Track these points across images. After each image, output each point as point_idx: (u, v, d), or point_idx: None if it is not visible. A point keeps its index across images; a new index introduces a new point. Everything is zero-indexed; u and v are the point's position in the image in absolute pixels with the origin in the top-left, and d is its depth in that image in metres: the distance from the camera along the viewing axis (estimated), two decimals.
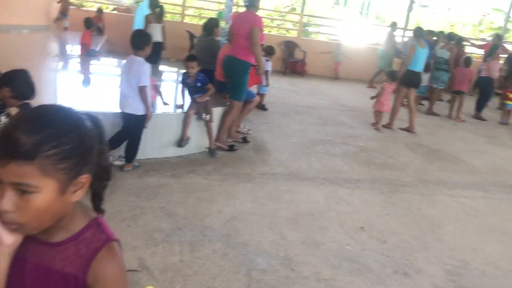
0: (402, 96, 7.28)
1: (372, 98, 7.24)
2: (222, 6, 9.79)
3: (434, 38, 10.29)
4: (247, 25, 4.80)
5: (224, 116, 5.15)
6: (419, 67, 7.12)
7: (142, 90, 3.91)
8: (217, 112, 5.05)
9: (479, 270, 3.29)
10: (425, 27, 13.14)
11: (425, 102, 9.41)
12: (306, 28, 15.62)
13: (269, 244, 3.23)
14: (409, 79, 7.12)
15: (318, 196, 4.22)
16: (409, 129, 7.26)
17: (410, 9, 13.35)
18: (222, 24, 7.39)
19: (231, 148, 5.14)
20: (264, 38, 6.23)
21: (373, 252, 3.32)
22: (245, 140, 5.49)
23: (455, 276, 3.17)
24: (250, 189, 4.13)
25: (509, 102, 9.04)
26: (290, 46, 11.77)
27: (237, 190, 4.07)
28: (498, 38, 11.92)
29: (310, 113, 7.57)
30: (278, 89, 8.91)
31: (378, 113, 7.14)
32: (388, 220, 3.90)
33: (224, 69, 5.21)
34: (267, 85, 7.22)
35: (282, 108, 7.58)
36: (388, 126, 7.30)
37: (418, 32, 7.41)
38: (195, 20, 12.96)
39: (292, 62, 11.82)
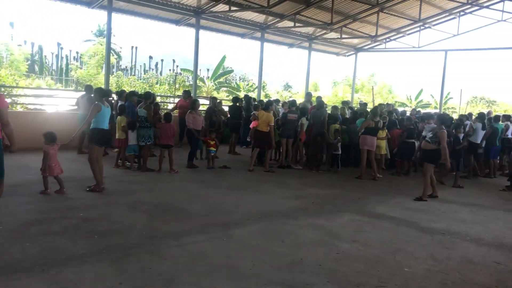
0: (100, 155, 7.23)
1: (41, 168, 6.83)
2: None
3: (138, 98, 10.77)
4: None
5: None
6: (105, 124, 7.23)
7: None
8: None
9: None
10: (127, 88, 13.63)
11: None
12: None
13: None
14: (99, 137, 7.14)
15: (40, 287, 3.68)
16: (96, 188, 7.10)
17: (108, 72, 13.68)
18: None
19: None
20: None
21: None
22: None
23: None
24: None
25: (212, 148, 10.19)
26: None
27: None
28: (187, 94, 13.47)
29: (18, 192, 6.71)
30: None
31: (46, 178, 6.78)
32: None
33: None
34: None
35: None
36: (98, 189, 7.07)
37: (101, 92, 7.45)
38: None
39: None
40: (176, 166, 9.44)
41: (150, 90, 14.41)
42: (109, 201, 6.62)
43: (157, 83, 31.50)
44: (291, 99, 13.56)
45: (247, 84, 38.06)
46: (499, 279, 4.55)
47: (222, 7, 14.46)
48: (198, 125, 10.34)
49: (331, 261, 4.73)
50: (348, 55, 23.04)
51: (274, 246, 5.09)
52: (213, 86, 32.77)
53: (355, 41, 21.10)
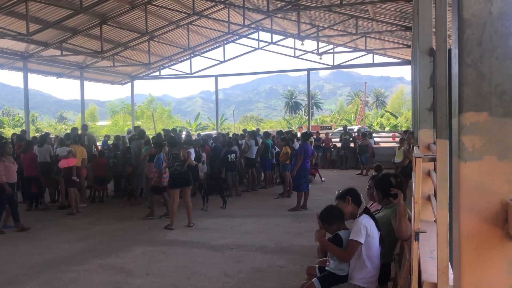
0: None
1: None
2: None
3: None
4: None
5: None
6: None
7: None
8: None
9: None
10: None
11: None
12: None
13: None
14: None
15: None
16: None
17: None
18: None
19: None
20: None
21: None
22: None
23: None
24: None
25: None
26: None
27: None
28: None
29: None
30: None
31: None
32: None
33: None
34: None
35: None
36: None
37: None
38: None
39: None
40: None
41: None
42: None
43: None
44: (67, 132, 12.58)
45: (13, 119, 33.97)
46: (283, 281, 4.98)
47: None
48: (12, 177, 7.78)
49: None
50: (124, 83, 22.70)
51: None
52: None
53: (130, 69, 20.95)
